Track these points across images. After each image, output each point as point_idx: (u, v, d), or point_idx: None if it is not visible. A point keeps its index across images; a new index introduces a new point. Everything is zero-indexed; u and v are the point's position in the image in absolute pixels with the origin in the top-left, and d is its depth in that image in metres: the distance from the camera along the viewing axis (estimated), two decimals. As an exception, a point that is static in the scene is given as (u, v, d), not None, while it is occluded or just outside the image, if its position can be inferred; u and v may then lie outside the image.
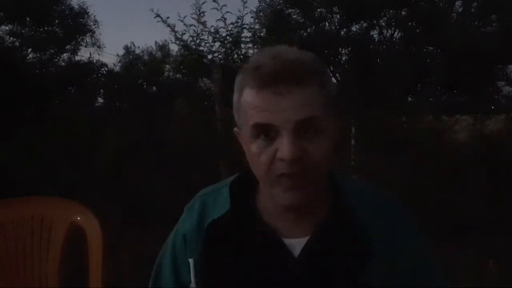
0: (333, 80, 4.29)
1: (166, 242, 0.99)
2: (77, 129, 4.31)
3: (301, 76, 0.78)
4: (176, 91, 5.18)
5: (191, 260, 0.90)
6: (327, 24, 4.63)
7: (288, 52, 0.81)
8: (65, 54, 5.58)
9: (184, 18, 3.94)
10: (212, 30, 4.02)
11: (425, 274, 0.89)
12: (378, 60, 4.50)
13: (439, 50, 4.50)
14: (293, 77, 0.77)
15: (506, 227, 3.08)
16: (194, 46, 4.03)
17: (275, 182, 0.81)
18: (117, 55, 6.53)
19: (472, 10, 4.65)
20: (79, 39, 5.53)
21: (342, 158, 3.92)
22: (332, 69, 4.52)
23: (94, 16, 5.65)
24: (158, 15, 3.96)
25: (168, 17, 4.01)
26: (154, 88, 5.71)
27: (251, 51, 4.12)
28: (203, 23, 4.00)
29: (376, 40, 4.66)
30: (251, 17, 4.72)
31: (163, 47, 7.17)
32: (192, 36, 4.00)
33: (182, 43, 4.06)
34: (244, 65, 0.84)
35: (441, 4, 4.69)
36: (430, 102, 4.35)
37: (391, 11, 4.49)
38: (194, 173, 3.51)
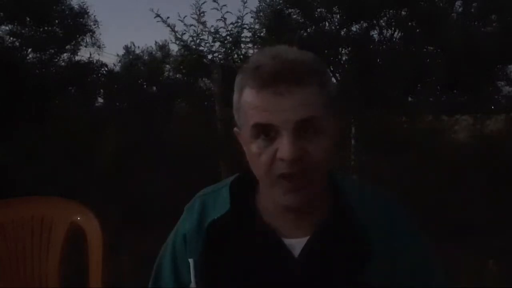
0: (333, 80, 4.29)
1: (166, 242, 0.99)
2: (77, 129, 4.31)
3: (301, 76, 0.78)
4: (176, 91, 5.19)
5: (191, 260, 0.90)
6: (327, 24, 4.63)
7: (288, 52, 0.81)
8: (65, 54, 5.60)
9: (184, 18, 3.95)
10: (212, 30, 4.02)
11: (425, 274, 0.89)
12: (378, 60, 4.50)
13: (439, 50, 4.50)
14: (293, 77, 0.77)
15: (506, 227, 3.08)
16: (194, 46, 4.03)
17: (275, 183, 0.81)
18: (117, 55, 6.55)
19: (472, 10, 4.65)
20: (79, 39, 5.54)
21: (342, 158, 3.92)
22: (332, 69, 4.52)
23: (94, 16, 5.67)
24: (158, 15, 3.96)
25: (168, 17, 4.02)
26: (154, 88, 5.72)
27: (251, 51, 4.12)
28: (203, 23, 4.00)
29: (376, 40, 4.66)
30: (251, 17, 4.74)
31: (163, 47, 7.18)
32: (192, 36, 4.01)
33: (182, 43, 4.06)
34: (244, 65, 0.84)
35: (441, 4, 4.69)
36: (430, 102, 4.35)
37: (391, 11, 4.49)
38: (194, 173, 3.52)
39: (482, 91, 4.49)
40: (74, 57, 5.60)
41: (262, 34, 4.38)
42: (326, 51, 4.42)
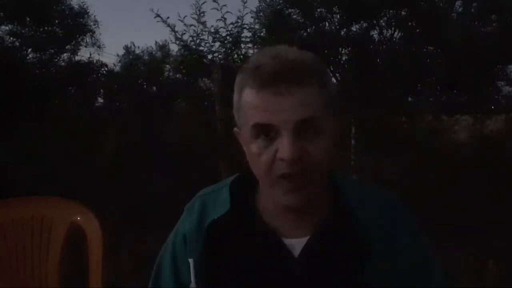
0: (333, 80, 4.29)
1: (166, 242, 0.99)
2: (77, 129, 4.31)
3: (301, 76, 0.78)
4: (176, 91, 5.19)
5: (191, 260, 0.90)
6: (327, 24, 4.63)
7: (288, 52, 0.81)
8: (65, 54, 5.60)
9: (184, 18, 3.95)
10: (212, 30, 4.02)
11: (425, 274, 0.89)
12: (378, 60, 4.50)
13: (439, 50, 4.50)
14: (293, 77, 0.77)
15: (506, 227, 3.08)
16: (194, 46, 4.03)
17: (275, 183, 0.81)
18: (117, 55, 6.54)
19: (472, 10, 4.65)
20: (79, 39, 5.54)
21: (342, 158, 3.92)
22: (332, 69, 4.52)
23: (94, 16, 5.67)
24: (158, 15, 3.97)
25: (168, 17, 4.02)
26: (154, 88, 5.72)
27: (251, 51, 4.12)
28: (203, 23, 4.00)
29: (376, 40, 4.66)
30: (251, 17, 4.73)
31: (163, 47, 7.17)
32: (192, 36, 4.01)
33: (182, 43, 4.06)
34: (244, 65, 0.84)
35: (441, 4, 4.69)
36: (430, 102, 4.35)
37: (391, 11, 4.49)
38: (194, 173, 3.52)
39: (482, 91, 4.49)
40: (74, 57, 5.61)
41: (262, 34, 4.39)
42: (326, 51, 4.42)
